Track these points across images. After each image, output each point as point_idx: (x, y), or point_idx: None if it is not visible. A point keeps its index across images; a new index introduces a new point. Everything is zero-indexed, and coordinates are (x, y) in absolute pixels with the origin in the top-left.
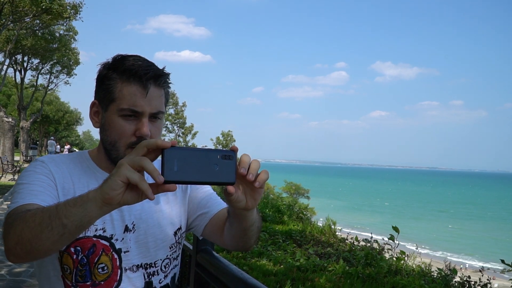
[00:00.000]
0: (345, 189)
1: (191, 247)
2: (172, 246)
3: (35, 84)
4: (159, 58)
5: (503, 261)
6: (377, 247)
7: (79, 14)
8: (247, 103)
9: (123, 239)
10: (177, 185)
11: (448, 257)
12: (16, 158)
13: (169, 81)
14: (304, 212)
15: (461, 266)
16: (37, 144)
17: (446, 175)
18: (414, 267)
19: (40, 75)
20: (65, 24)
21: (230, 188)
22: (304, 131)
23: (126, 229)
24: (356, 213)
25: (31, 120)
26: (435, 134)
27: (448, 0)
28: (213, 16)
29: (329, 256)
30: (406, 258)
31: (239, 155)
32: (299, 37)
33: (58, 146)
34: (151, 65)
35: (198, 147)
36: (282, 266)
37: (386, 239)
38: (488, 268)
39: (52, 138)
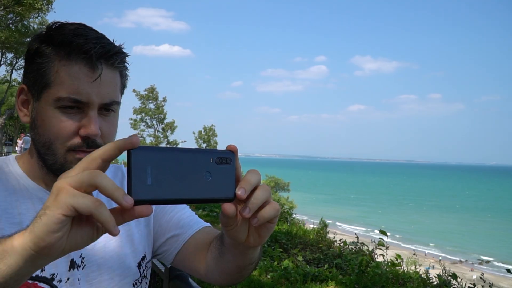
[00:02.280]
0: (324, 183)
1: (163, 269)
2: (136, 283)
3: (9, 79)
4: (137, 52)
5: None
6: (367, 250)
7: (51, 5)
8: (227, 97)
9: (68, 279)
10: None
11: (420, 248)
12: None
13: (126, 61)
14: (290, 211)
15: (440, 258)
16: (12, 140)
17: (423, 167)
18: (411, 272)
19: (14, 71)
20: (38, 17)
21: (227, 207)
22: (283, 125)
23: (72, 265)
24: (335, 206)
25: (5, 116)
26: (412, 128)
27: None
28: (193, 10)
29: (318, 262)
30: (402, 263)
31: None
32: (278, 30)
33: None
34: (101, 37)
35: (180, 145)
36: (269, 276)
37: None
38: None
39: (28, 134)
